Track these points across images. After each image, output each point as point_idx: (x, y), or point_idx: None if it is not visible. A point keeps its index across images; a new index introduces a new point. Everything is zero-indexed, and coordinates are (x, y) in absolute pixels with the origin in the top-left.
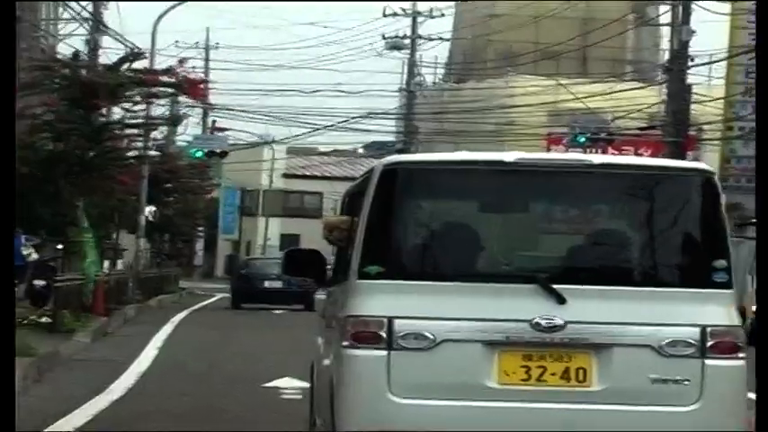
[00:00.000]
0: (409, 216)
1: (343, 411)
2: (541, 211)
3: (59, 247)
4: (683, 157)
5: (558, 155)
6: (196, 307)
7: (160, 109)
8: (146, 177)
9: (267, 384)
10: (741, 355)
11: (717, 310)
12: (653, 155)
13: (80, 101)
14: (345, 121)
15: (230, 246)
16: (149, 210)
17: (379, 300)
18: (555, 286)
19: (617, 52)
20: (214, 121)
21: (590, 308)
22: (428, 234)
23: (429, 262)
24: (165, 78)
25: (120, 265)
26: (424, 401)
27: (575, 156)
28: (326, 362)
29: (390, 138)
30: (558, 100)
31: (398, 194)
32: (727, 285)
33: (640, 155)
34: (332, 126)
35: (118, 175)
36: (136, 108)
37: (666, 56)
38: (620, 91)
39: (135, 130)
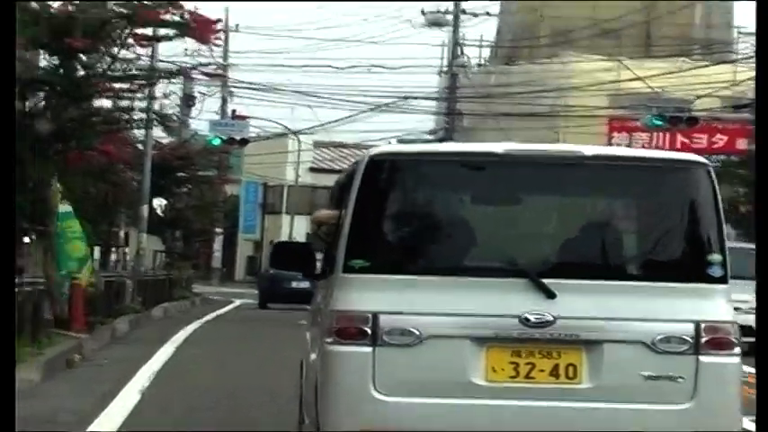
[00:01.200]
0: (395, 208)
1: (327, 409)
2: (532, 203)
3: (26, 240)
4: None
5: (548, 146)
6: (210, 317)
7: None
8: (148, 155)
9: None
10: (736, 351)
11: (711, 306)
12: (731, 140)
13: (50, 44)
14: (381, 106)
15: (251, 246)
16: (158, 202)
17: (364, 294)
18: (545, 281)
19: (684, 30)
20: (234, 111)
21: (580, 303)
22: (415, 227)
23: (416, 256)
24: (166, 17)
25: (125, 265)
26: (411, 399)
27: (566, 147)
28: (313, 358)
29: (430, 124)
30: (620, 79)
31: (384, 186)
32: (722, 280)
33: (715, 143)
34: (366, 111)
35: (100, 145)
36: (128, 56)
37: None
38: (698, 67)
39: (126, 85)
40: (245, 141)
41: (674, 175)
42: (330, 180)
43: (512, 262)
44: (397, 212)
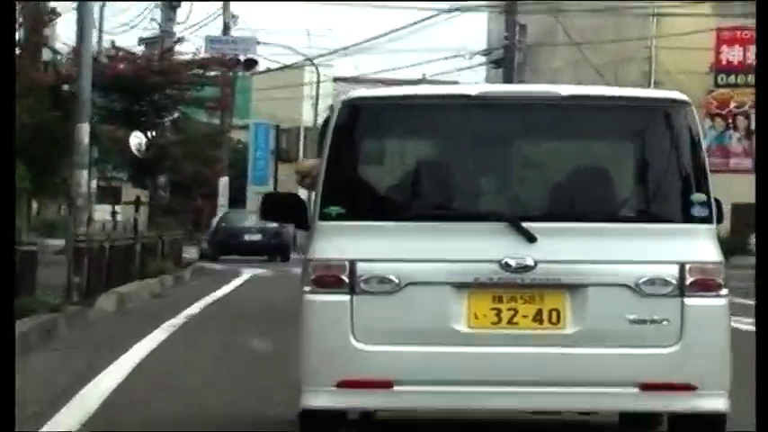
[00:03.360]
0: (370, 154)
1: (307, 360)
2: (510, 145)
3: None
4: None
5: (523, 86)
6: (197, 307)
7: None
8: (87, 27)
9: None
10: (723, 292)
11: (696, 246)
12: None
13: None
14: (422, 21)
15: None
16: (136, 139)
17: (340, 242)
18: (525, 224)
19: None
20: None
21: (562, 246)
22: (390, 172)
23: (392, 201)
24: None
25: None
26: (390, 348)
27: (541, 87)
28: None
29: (482, 41)
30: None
31: (358, 131)
32: (706, 220)
33: None
34: (402, 28)
35: None
36: None
37: None
38: None
39: None
40: (252, 63)
41: (655, 113)
42: None
43: (491, 206)
44: (372, 158)
